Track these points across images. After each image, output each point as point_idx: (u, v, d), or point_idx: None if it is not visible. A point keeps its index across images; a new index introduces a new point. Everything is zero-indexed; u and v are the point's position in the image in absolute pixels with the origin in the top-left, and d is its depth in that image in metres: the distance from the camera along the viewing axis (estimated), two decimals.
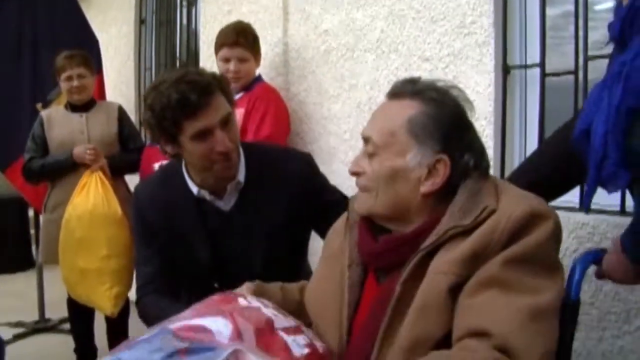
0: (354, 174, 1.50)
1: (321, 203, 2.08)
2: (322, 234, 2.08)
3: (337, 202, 2.08)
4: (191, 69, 1.98)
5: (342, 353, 1.44)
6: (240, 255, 2.04)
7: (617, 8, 1.43)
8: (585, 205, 1.47)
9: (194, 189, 2.02)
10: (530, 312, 1.24)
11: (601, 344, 2.15)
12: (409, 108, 1.43)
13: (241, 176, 2.02)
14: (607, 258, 1.52)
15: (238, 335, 1.25)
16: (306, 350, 1.33)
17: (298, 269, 2.15)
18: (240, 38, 3.23)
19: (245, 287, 1.61)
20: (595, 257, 1.56)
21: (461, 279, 1.29)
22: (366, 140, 1.47)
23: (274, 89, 3.39)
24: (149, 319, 1.99)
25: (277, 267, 2.00)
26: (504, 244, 1.29)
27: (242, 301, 1.43)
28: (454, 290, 1.29)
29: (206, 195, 2.02)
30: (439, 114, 1.42)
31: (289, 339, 1.33)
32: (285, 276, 1.91)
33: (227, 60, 3.24)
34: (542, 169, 1.76)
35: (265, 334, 1.30)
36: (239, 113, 3.10)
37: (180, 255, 2.06)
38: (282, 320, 1.38)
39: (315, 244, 2.32)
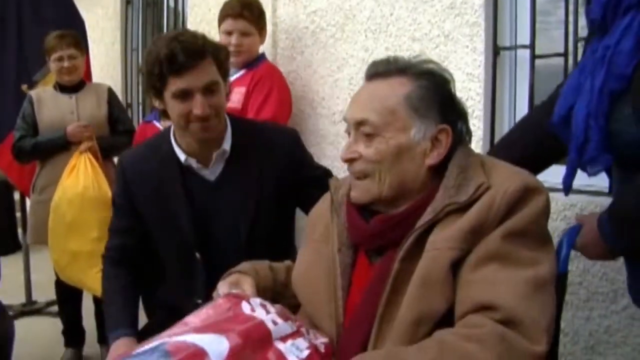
0: (349, 160, 1.46)
1: (306, 177, 2.11)
2: (306, 209, 2.10)
3: (320, 177, 2.11)
4: (192, 31, 2.00)
5: (339, 336, 1.44)
6: (224, 225, 2.05)
7: None
8: (565, 187, 1.49)
9: (182, 157, 2.04)
10: (532, 283, 1.27)
11: (589, 324, 2.17)
12: (401, 84, 1.44)
13: (227, 145, 2.04)
14: (583, 234, 1.54)
15: (234, 354, 1.25)
16: (306, 353, 1.33)
17: (284, 242, 2.16)
18: (245, 11, 3.10)
19: (246, 281, 1.59)
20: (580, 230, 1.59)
21: (462, 254, 1.31)
22: (359, 123, 1.44)
23: (277, 69, 3.30)
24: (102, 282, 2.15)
25: (262, 238, 2.03)
26: (501, 218, 1.31)
27: (245, 308, 1.42)
28: (455, 265, 1.31)
29: (193, 163, 2.03)
30: (433, 86, 1.44)
31: (286, 346, 1.33)
32: (271, 248, 1.95)
33: (229, 33, 3.10)
34: (517, 150, 1.76)
35: (262, 350, 1.30)
36: (240, 92, 3.03)
37: (163, 224, 2.07)
38: (281, 327, 1.37)
39: (302, 223, 2.32)
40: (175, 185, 2.04)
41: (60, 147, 3.58)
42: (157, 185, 2.05)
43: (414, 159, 1.42)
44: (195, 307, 1.95)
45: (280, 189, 2.06)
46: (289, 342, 1.35)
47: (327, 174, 2.19)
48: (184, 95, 1.91)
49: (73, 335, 3.87)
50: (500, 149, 1.84)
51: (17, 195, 5.31)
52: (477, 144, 2.44)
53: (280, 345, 1.33)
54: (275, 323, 1.38)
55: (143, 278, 2.16)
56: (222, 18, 3.17)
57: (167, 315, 2.11)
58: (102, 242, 3.31)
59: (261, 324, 1.36)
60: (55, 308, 4.20)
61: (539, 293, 1.27)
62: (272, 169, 2.05)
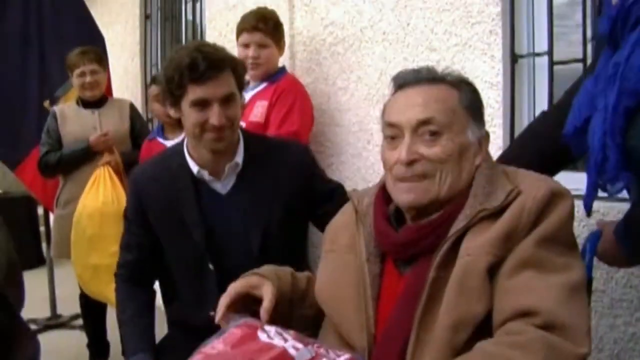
0: (411, 162, 1.45)
1: (317, 191, 2.13)
2: (317, 222, 2.11)
3: (332, 191, 2.13)
4: (213, 43, 2.05)
5: (371, 348, 1.44)
6: (237, 238, 2.06)
7: (607, 6, 1.45)
8: (586, 208, 1.48)
9: (194, 169, 2.06)
10: (568, 288, 1.29)
11: (613, 331, 2.15)
12: (450, 90, 1.50)
13: (239, 158, 2.07)
14: (602, 240, 1.56)
15: None
16: None
17: (297, 256, 2.16)
18: (260, 23, 3.13)
19: (267, 288, 1.54)
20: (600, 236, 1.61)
21: (497, 259, 1.33)
22: (424, 122, 1.45)
23: (299, 82, 3.30)
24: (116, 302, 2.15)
25: (275, 251, 2.04)
26: (532, 223, 1.34)
27: (262, 337, 1.42)
28: (491, 271, 1.33)
29: (205, 175, 2.06)
30: (474, 93, 1.52)
31: None
32: (284, 261, 1.94)
33: (246, 46, 3.14)
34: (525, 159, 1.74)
35: None
36: (262, 105, 3.03)
37: (176, 236, 2.08)
38: (302, 353, 1.36)
39: (316, 238, 2.33)
40: (188, 198, 2.05)
41: (84, 158, 3.64)
42: (170, 198, 2.07)
43: (469, 159, 1.47)
44: (209, 319, 1.97)
45: (292, 202, 2.07)
46: None
47: (338, 187, 2.21)
48: (202, 104, 1.94)
49: (98, 348, 3.91)
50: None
51: (40, 210, 5.38)
52: (497, 152, 2.43)
53: None
54: (296, 349, 1.37)
55: (160, 294, 2.17)
56: (239, 32, 3.21)
57: (180, 332, 2.13)
58: None
59: (284, 352, 1.36)
60: (79, 321, 4.24)
61: (575, 297, 1.30)
62: (284, 183, 2.07)
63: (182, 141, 2.12)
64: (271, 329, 1.45)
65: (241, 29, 3.19)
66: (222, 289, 1.98)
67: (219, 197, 2.07)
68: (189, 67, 1.91)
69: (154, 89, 3.68)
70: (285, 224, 2.06)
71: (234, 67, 2.00)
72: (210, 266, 2.02)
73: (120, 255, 2.20)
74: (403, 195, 1.49)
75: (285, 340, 1.42)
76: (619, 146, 1.34)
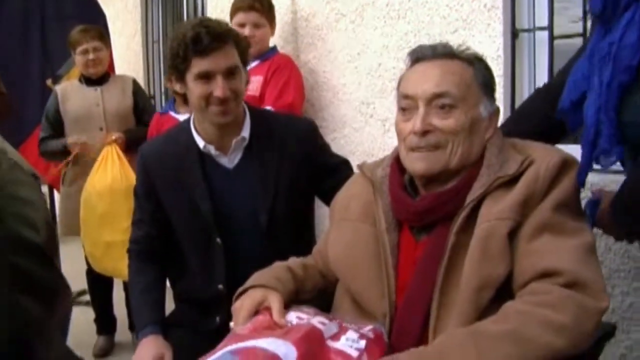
0: (424, 132, 1.51)
1: (323, 165, 2.16)
2: (323, 196, 2.14)
3: (337, 165, 2.16)
4: (216, 19, 2.07)
5: (392, 315, 1.49)
6: (244, 212, 2.09)
7: None
8: (580, 182, 1.50)
9: (201, 144, 2.08)
10: (584, 249, 1.38)
11: (611, 301, 2.19)
12: (465, 65, 1.55)
13: (245, 133, 2.09)
14: (600, 210, 1.59)
15: (303, 357, 1.28)
16: (363, 342, 1.37)
17: (303, 228, 2.20)
18: (256, 3, 3.24)
19: (274, 298, 1.56)
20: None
21: (516, 224, 1.40)
22: (438, 95, 1.50)
23: (292, 60, 3.40)
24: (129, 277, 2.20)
25: (282, 224, 2.07)
26: (546, 190, 1.42)
27: (289, 318, 1.47)
28: (511, 234, 1.39)
29: (212, 150, 2.08)
30: (487, 70, 1.58)
31: (341, 342, 1.37)
32: (290, 234, 2.03)
33: (242, 25, 3.22)
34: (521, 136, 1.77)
35: (321, 352, 1.33)
36: (257, 81, 3.14)
37: (183, 210, 2.11)
38: (329, 327, 1.41)
39: (320, 212, 2.36)
40: (195, 172, 2.08)
41: (65, 155, 3.69)
42: (177, 173, 2.10)
43: (480, 133, 1.53)
44: (217, 293, 2.01)
45: (298, 176, 2.10)
46: (342, 337, 1.38)
47: (344, 162, 2.24)
48: (206, 76, 1.97)
49: (105, 323, 3.96)
50: None
51: (44, 188, 5.42)
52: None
53: (335, 344, 1.36)
54: (323, 324, 1.41)
55: (167, 270, 2.20)
56: (233, 12, 3.31)
57: (189, 307, 2.16)
58: None
59: (312, 327, 1.40)
60: (86, 297, 4.29)
61: (591, 257, 1.38)
62: (290, 157, 2.09)
63: (189, 118, 2.15)
64: (291, 314, 1.50)
65: (237, 8, 3.29)
66: (230, 263, 2.02)
67: (226, 172, 2.09)
68: (192, 40, 1.93)
69: None
70: (291, 197, 2.09)
71: (237, 41, 2.02)
72: (218, 240, 2.05)
73: (132, 231, 2.23)
74: (416, 163, 1.54)
75: (308, 317, 1.46)
76: (612, 121, 1.39)
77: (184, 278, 2.20)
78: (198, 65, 1.96)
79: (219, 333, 1.54)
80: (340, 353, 1.33)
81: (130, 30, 5.93)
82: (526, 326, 1.27)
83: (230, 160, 2.10)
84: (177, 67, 2.00)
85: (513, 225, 1.39)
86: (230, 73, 1.99)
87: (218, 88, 1.96)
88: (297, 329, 1.39)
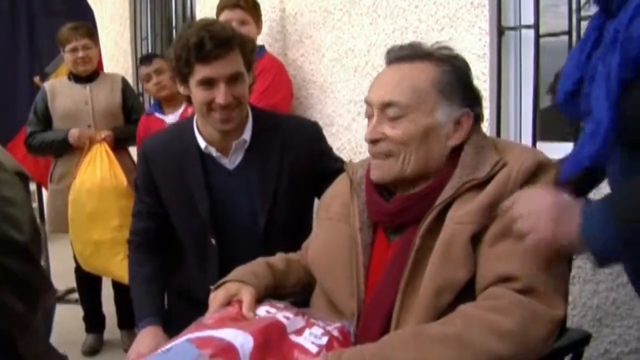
0: (374, 141, 1.51)
1: (325, 169, 2.12)
2: None
3: (339, 170, 2.14)
4: (222, 22, 2.07)
5: (360, 314, 1.50)
6: (242, 214, 2.08)
7: None
8: (574, 174, 1.38)
9: (202, 144, 2.07)
10: (547, 256, 1.33)
11: (595, 297, 2.22)
12: (427, 69, 1.50)
13: (247, 135, 2.07)
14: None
15: (258, 349, 1.30)
16: (325, 339, 1.38)
17: (301, 232, 2.19)
18: (241, 1, 3.26)
19: (246, 291, 1.58)
20: None
21: (481, 227, 1.38)
22: (386, 105, 1.49)
23: (278, 60, 3.41)
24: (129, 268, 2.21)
25: (280, 228, 2.06)
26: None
27: (261, 311, 1.50)
28: (475, 238, 1.38)
29: (212, 151, 2.07)
30: (456, 71, 1.52)
31: (303, 337, 1.38)
32: (288, 238, 1.98)
33: (227, 22, 3.24)
34: None
35: (281, 344, 1.35)
36: None
37: (181, 208, 2.11)
38: (293, 321, 1.42)
39: None
40: (195, 171, 2.07)
41: (64, 146, 3.65)
42: (178, 170, 2.09)
43: (438, 140, 1.49)
44: (209, 293, 2.02)
45: (299, 180, 2.09)
46: (306, 331, 1.40)
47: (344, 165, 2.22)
48: (209, 83, 1.95)
49: (94, 321, 3.95)
50: None
51: (33, 186, 5.39)
52: (484, 123, 2.47)
53: (297, 339, 1.38)
54: (287, 318, 1.43)
55: (166, 263, 2.21)
56: (219, 10, 3.33)
57: (183, 302, 2.17)
58: (123, 230, 3.42)
59: (275, 320, 1.41)
60: (75, 295, 4.28)
61: (554, 264, 1.35)
62: (291, 160, 2.08)
63: (193, 116, 2.13)
64: (261, 309, 1.52)
65: (222, 6, 3.31)
66: (224, 264, 2.02)
67: (226, 172, 2.08)
68: (195, 46, 1.90)
69: (144, 69, 3.69)
70: (291, 200, 2.08)
71: (242, 46, 1.99)
72: (213, 241, 2.05)
73: (132, 223, 2.24)
74: (372, 171, 1.56)
75: (276, 311, 1.47)
76: (621, 118, 1.28)
77: (181, 271, 2.20)
78: (201, 72, 1.94)
79: None
80: (300, 347, 1.35)
81: (118, 27, 5.92)
82: (470, 330, 1.27)
83: (231, 161, 2.09)
84: (180, 70, 1.98)
85: (476, 229, 1.37)
86: (233, 79, 1.96)
87: (220, 95, 1.94)
88: (259, 321, 1.42)
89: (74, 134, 3.59)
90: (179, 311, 2.18)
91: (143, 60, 3.81)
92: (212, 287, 1.96)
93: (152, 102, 5.69)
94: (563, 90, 1.48)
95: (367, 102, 1.55)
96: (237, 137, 2.06)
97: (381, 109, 1.50)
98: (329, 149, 2.25)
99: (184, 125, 2.18)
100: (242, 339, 1.30)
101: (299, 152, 2.09)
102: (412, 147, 1.47)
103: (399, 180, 1.51)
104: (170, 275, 2.25)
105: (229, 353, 1.27)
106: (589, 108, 1.34)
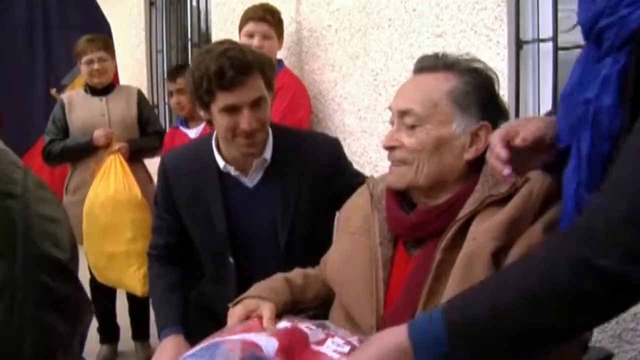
0: (390, 148, 1.51)
1: (346, 185, 2.05)
2: None
3: (358, 185, 2.12)
4: (239, 45, 2.01)
5: (379, 329, 1.47)
6: (261, 233, 2.06)
7: None
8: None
9: (221, 163, 2.06)
10: None
11: None
12: (447, 79, 1.49)
13: (267, 154, 2.05)
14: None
15: (283, 350, 1.30)
16: (347, 348, 1.37)
17: (322, 250, 2.17)
18: (267, 15, 3.26)
19: (265, 307, 1.57)
20: None
21: (503, 244, 1.35)
22: (403, 113, 1.49)
23: (295, 76, 3.42)
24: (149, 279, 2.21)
25: (300, 247, 2.04)
26: (538, 209, 1.36)
27: (281, 325, 1.49)
28: (497, 255, 1.35)
29: (231, 170, 2.05)
30: (478, 83, 1.50)
31: (325, 346, 1.37)
32: (308, 257, 1.93)
33: (251, 35, 3.24)
34: None
35: (304, 351, 1.35)
36: None
37: (200, 226, 2.10)
38: (315, 332, 1.42)
39: None
40: (214, 189, 2.06)
41: (87, 150, 3.66)
42: (196, 188, 2.08)
43: (452, 151, 1.47)
44: (227, 310, 2.00)
45: (320, 197, 2.06)
46: (328, 341, 1.39)
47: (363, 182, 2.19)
48: (232, 110, 1.92)
49: (108, 332, 3.95)
50: None
51: None
52: None
53: (319, 348, 1.37)
54: (310, 329, 1.42)
55: (188, 275, 2.20)
56: (244, 21, 3.31)
57: (201, 318, 2.16)
58: (136, 242, 3.44)
59: (299, 329, 1.41)
60: None
61: None
62: (312, 178, 2.05)
63: (210, 135, 2.12)
64: (281, 323, 1.51)
65: (248, 17, 3.28)
66: (242, 283, 2.00)
67: (245, 191, 2.07)
68: (216, 75, 1.88)
69: (168, 85, 3.75)
70: (312, 218, 2.05)
71: (262, 69, 1.97)
72: (231, 259, 2.04)
73: (152, 238, 2.23)
74: (388, 177, 1.56)
75: (297, 322, 1.47)
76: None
77: (200, 287, 2.20)
78: (223, 99, 1.91)
79: None
80: (323, 355, 1.34)
81: (134, 39, 5.96)
82: None
83: (250, 180, 2.07)
84: (201, 97, 1.95)
85: (499, 245, 1.35)
86: (256, 104, 1.94)
87: (244, 121, 1.92)
88: (283, 329, 1.43)
89: (98, 132, 3.62)
90: (197, 327, 2.18)
91: (169, 75, 3.86)
92: (230, 305, 1.95)
93: (167, 112, 5.74)
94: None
95: (390, 109, 1.56)
96: (257, 156, 2.04)
97: (400, 117, 1.51)
98: (349, 166, 2.22)
99: (201, 145, 2.16)
100: (265, 341, 1.31)
101: (319, 172, 2.07)
102: (424, 156, 1.46)
103: (414, 188, 1.51)
104: (190, 290, 2.24)
105: (254, 347, 1.29)
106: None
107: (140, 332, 3.86)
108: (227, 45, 1.97)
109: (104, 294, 3.87)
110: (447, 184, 1.49)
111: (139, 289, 3.50)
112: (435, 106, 1.46)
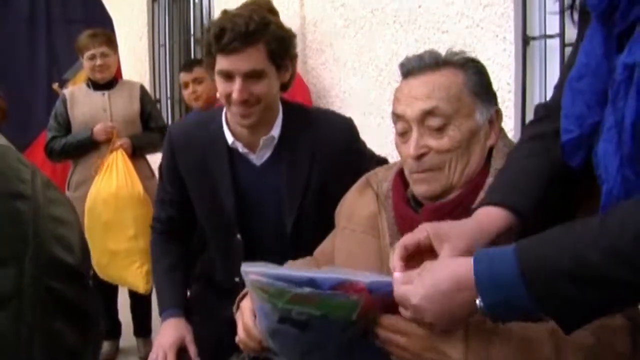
0: (421, 156, 1.45)
1: (358, 169, 1.94)
2: None
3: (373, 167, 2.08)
4: (253, 12, 1.91)
5: None
6: (269, 212, 2.02)
7: None
8: None
9: (229, 139, 2.01)
10: None
11: None
12: (454, 74, 1.46)
13: (276, 131, 1.99)
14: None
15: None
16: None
17: (330, 229, 2.13)
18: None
19: None
20: None
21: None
22: (427, 114, 1.43)
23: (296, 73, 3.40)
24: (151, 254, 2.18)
25: (307, 227, 1.98)
26: None
27: None
28: None
29: (239, 147, 2.00)
30: (480, 72, 1.49)
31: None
32: (315, 237, 1.88)
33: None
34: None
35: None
36: None
37: (206, 200, 2.06)
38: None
39: None
40: (221, 164, 2.01)
41: (89, 146, 3.65)
42: (203, 160, 2.03)
43: (479, 143, 1.45)
44: (234, 284, 1.98)
45: (330, 180, 1.99)
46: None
47: (379, 163, 2.13)
48: (227, 76, 1.88)
49: (110, 328, 3.95)
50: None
51: None
52: (509, 133, 2.44)
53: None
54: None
55: (190, 247, 2.17)
56: None
57: (204, 287, 2.15)
58: (138, 240, 3.43)
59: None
60: None
61: None
62: (322, 158, 1.99)
63: (222, 108, 2.05)
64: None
65: None
66: (250, 257, 1.96)
67: (253, 168, 2.01)
68: (215, 36, 1.84)
69: (183, 76, 3.71)
70: (320, 202, 1.98)
71: (269, 42, 1.87)
72: (238, 236, 2.01)
73: (155, 210, 2.21)
74: (418, 186, 1.49)
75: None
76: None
77: (204, 257, 2.18)
78: (220, 63, 1.87)
79: (235, 322, 1.53)
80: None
81: (136, 34, 5.94)
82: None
83: (258, 157, 2.01)
84: (207, 58, 1.94)
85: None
86: (252, 76, 1.86)
87: (236, 90, 1.86)
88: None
89: (99, 127, 3.60)
90: (200, 297, 2.16)
91: (185, 66, 3.82)
92: (237, 280, 1.92)
93: (169, 107, 5.71)
94: (567, 138, 1.20)
95: (400, 117, 1.51)
96: (265, 133, 1.98)
97: (420, 122, 1.46)
98: (362, 148, 2.16)
99: (211, 117, 2.09)
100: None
101: (330, 152, 1.99)
102: (458, 154, 1.43)
103: (447, 192, 1.46)
104: (195, 260, 2.22)
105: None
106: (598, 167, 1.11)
107: (141, 329, 3.85)
108: (243, 10, 1.90)
109: (106, 290, 3.86)
110: (472, 176, 1.45)
111: (142, 287, 3.48)
112: (459, 100, 1.44)
